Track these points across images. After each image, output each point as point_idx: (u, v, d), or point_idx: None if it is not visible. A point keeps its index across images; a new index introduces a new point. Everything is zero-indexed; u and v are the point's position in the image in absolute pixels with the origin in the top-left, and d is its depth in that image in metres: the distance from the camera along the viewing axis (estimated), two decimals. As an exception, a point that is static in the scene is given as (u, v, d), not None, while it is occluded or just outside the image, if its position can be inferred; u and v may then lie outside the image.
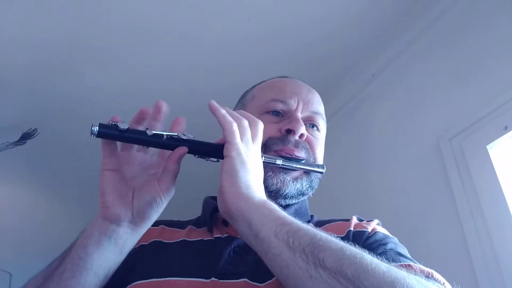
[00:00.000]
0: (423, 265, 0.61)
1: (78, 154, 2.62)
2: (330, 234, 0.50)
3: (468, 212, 1.22)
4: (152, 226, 0.72)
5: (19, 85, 2.09)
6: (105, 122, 0.57)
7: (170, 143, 0.60)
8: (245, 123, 0.61)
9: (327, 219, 0.77)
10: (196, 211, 0.83)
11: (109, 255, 0.59)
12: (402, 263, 0.59)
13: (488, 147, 1.23)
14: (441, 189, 1.36)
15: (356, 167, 1.76)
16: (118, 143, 0.60)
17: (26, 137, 2.38)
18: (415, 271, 0.52)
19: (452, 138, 1.37)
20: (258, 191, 0.56)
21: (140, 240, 0.68)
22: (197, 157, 0.63)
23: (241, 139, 0.59)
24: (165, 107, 0.61)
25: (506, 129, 1.19)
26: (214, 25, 1.78)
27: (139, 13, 1.74)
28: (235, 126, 0.58)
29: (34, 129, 2.35)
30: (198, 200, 0.85)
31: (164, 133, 0.59)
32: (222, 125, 0.58)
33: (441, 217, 1.32)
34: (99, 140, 0.58)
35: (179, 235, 0.73)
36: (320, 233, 0.50)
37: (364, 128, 1.87)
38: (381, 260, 0.47)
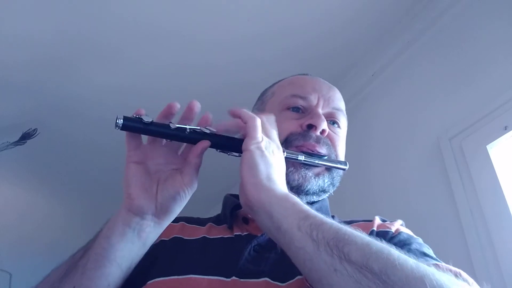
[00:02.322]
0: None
1: (78, 154, 2.61)
2: (355, 228, 0.49)
3: (468, 212, 1.22)
4: (173, 222, 0.72)
5: (19, 83, 2.09)
6: (128, 115, 0.57)
7: (192, 136, 0.60)
8: (263, 118, 0.61)
9: (349, 219, 0.76)
10: (216, 207, 0.82)
11: (132, 247, 0.59)
12: (429, 263, 0.58)
13: (488, 147, 1.23)
14: (441, 189, 1.36)
15: (355, 167, 1.74)
16: (144, 136, 0.60)
17: (26, 137, 2.38)
18: (443, 270, 0.50)
19: (452, 138, 1.37)
20: (280, 184, 0.55)
21: (161, 236, 0.68)
22: (219, 151, 0.64)
23: (263, 133, 0.59)
24: (197, 107, 0.61)
25: (506, 129, 1.19)
26: (216, 23, 1.78)
27: (141, 12, 1.74)
28: (258, 121, 0.59)
29: (34, 129, 2.35)
30: (219, 195, 0.84)
31: (187, 126, 0.59)
32: (246, 120, 0.59)
33: (441, 217, 1.32)
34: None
35: (199, 232, 0.73)
36: (345, 227, 0.48)
37: (363, 128, 1.86)
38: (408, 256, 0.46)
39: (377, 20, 1.74)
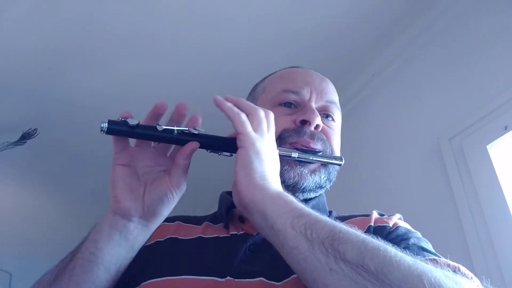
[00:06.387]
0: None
1: (77, 155, 2.62)
2: (350, 226, 0.47)
3: (468, 212, 1.22)
4: (168, 222, 0.71)
5: (15, 89, 2.12)
6: (114, 118, 0.56)
7: (181, 138, 0.59)
8: (261, 113, 0.59)
9: (347, 214, 0.75)
10: (209, 207, 0.82)
11: (119, 250, 0.59)
12: (427, 258, 0.57)
13: (488, 147, 1.23)
14: (441, 189, 1.36)
15: (355, 167, 1.75)
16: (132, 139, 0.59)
17: (26, 137, 2.38)
18: (441, 266, 0.49)
19: (452, 138, 1.37)
20: (273, 182, 0.54)
21: (155, 237, 0.67)
22: (210, 152, 0.62)
23: (256, 129, 0.57)
24: (185, 109, 0.60)
25: (506, 129, 1.19)
26: (209, 30, 1.79)
27: (133, 20, 1.76)
28: (243, 116, 0.57)
29: (34, 129, 2.35)
30: (213, 196, 0.83)
31: (175, 128, 0.58)
32: (230, 117, 0.57)
33: (441, 217, 1.32)
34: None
35: (195, 232, 0.71)
36: (340, 225, 0.47)
37: (363, 128, 1.86)
38: (405, 253, 0.44)
39: (377, 20, 1.73)
